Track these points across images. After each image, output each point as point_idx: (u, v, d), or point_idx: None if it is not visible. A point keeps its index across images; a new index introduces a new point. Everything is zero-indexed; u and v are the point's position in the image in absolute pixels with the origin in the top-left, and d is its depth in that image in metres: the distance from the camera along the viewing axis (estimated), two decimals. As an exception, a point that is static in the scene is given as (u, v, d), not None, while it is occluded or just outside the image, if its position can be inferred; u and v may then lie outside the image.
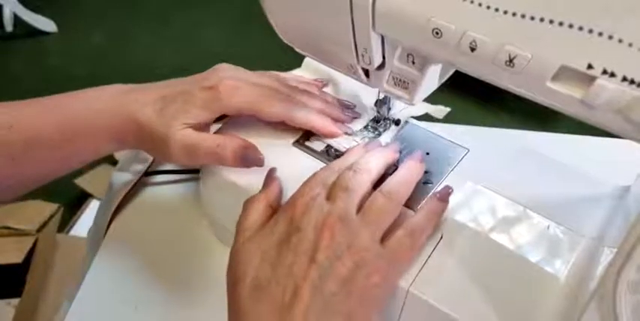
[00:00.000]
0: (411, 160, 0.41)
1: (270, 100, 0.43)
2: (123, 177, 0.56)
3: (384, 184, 0.38)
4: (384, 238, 0.36)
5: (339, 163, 0.40)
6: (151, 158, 0.56)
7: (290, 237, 0.35)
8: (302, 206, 0.36)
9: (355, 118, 0.48)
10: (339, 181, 0.37)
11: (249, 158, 0.42)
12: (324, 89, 0.51)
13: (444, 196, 0.40)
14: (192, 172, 0.54)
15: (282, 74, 0.49)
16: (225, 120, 0.48)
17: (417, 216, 0.38)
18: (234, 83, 0.43)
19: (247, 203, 0.39)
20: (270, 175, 0.41)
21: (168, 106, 0.42)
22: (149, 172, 0.55)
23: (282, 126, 0.46)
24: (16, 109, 0.43)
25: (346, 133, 0.46)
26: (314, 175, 0.40)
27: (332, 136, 0.46)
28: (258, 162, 0.43)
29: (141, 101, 0.43)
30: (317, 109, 0.46)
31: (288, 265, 0.34)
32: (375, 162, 0.40)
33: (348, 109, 0.48)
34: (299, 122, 0.44)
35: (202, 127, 0.44)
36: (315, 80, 0.51)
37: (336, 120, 0.47)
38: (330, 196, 0.37)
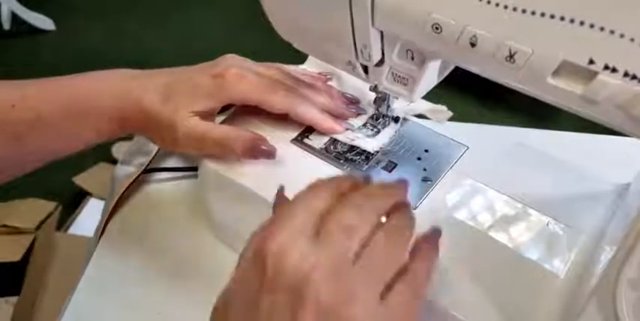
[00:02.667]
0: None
1: (275, 91, 0.43)
2: (126, 170, 0.56)
3: (392, 220, 0.30)
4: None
5: (342, 184, 0.31)
6: (154, 151, 0.56)
7: (260, 300, 0.26)
8: (276, 254, 0.26)
9: (359, 113, 0.48)
10: (338, 213, 0.28)
11: (258, 150, 0.42)
12: (329, 83, 0.51)
13: (435, 240, 0.32)
14: (192, 170, 0.54)
15: (288, 67, 0.49)
16: (227, 112, 0.47)
17: (415, 263, 0.29)
18: (240, 72, 0.43)
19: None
20: (278, 199, 0.34)
21: (175, 93, 0.42)
22: (148, 170, 0.54)
23: (281, 122, 0.46)
24: (19, 88, 0.43)
25: (347, 129, 0.46)
26: (297, 198, 0.30)
27: (332, 132, 0.46)
28: (268, 154, 0.43)
29: (146, 86, 0.43)
30: (321, 103, 0.46)
31: None
32: (384, 197, 0.31)
33: (352, 104, 0.48)
34: (301, 116, 0.44)
35: (208, 116, 0.44)
36: (320, 74, 0.51)
37: (339, 115, 0.47)
38: (319, 236, 0.27)
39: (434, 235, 0.32)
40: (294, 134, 0.46)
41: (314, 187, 0.31)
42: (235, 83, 0.42)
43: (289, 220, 0.28)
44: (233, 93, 0.43)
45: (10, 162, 0.44)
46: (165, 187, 0.55)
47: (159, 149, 0.56)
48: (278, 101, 0.43)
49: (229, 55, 0.45)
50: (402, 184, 0.33)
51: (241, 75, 0.43)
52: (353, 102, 0.49)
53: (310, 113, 0.44)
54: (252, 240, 0.29)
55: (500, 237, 0.38)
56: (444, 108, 0.50)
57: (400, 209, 0.31)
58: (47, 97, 0.42)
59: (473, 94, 1.73)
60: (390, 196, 0.31)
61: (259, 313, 0.26)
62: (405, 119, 0.48)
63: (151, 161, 0.55)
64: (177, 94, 0.42)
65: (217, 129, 0.43)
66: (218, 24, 2.16)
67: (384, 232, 0.29)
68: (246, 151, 0.42)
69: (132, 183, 0.53)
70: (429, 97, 0.50)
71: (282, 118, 0.46)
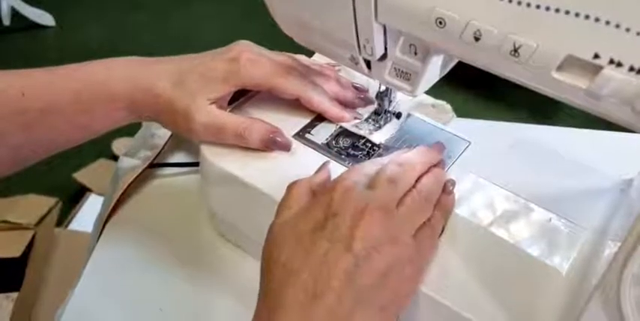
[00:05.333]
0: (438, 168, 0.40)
1: (288, 76, 0.44)
2: (130, 163, 0.56)
3: (421, 183, 0.37)
4: None
5: (383, 159, 0.39)
6: (159, 145, 0.56)
7: (326, 222, 0.33)
8: (341, 191, 0.34)
9: (368, 103, 0.48)
10: (385, 171, 0.36)
11: (274, 142, 0.43)
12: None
13: (450, 189, 0.39)
14: (196, 165, 0.54)
15: (298, 56, 0.49)
16: (233, 105, 0.48)
17: (436, 211, 0.37)
18: (253, 57, 0.43)
19: (290, 185, 0.38)
20: (323, 166, 0.40)
21: (188, 79, 0.42)
22: (153, 165, 0.54)
23: (283, 117, 0.46)
24: (28, 77, 0.43)
25: (356, 118, 0.47)
26: (356, 165, 0.38)
27: (340, 120, 0.46)
28: (284, 146, 0.43)
29: (158, 72, 0.43)
30: (331, 91, 0.46)
31: (323, 252, 0.32)
32: (419, 160, 0.38)
33: (361, 93, 0.49)
34: (311, 102, 0.45)
35: (223, 103, 0.44)
36: (328, 65, 0.51)
37: (348, 104, 0.47)
38: (372, 185, 0.35)
39: (450, 183, 0.39)
40: (296, 129, 0.46)
41: (371, 161, 0.39)
42: (250, 67, 0.43)
43: (351, 175, 0.36)
44: (247, 77, 0.43)
45: (23, 150, 0.44)
46: (168, 182, 0.55)
47: (165, 144, 0.55)
48: (290, 86, 0.44)
49: (241, 41, 0.45)
50: (438, 147, 0.42)
51: (255, 59, 0.43)
52: (362, 91, 0.49)
53: (320, 100, 0.45)
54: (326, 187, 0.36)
55: (502, 233, 0.38)
56: (448, 106, 0.50)
57: (432, 171, 0.38)
58: (57, 85, 0.42)
59: (473, 91, 1.73)
60: (426, 161, 0.39)
61: (324, 232, 0.33)
62: (409, 115, 0.48)
63: (156, 156, 0.54)
64: (191, 79, 0.42)
65: (235, 120, 0.43)
66: (219, 19, 2.15)
67: (416, 190, 0.36)
68: (263, 143, 0.43)
69: (135, 178, 0.53)
70: (430, 93, 0.50)
71: (285, 113, 0.46)
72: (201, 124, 0.42)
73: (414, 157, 0.38)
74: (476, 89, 1.73)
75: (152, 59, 0.45)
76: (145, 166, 0.53)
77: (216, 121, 0.42)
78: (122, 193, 0.52)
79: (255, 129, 0.43)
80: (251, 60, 0.43)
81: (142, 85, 0.42)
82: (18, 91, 0.41)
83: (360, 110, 0.48)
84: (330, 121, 0.47)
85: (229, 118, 0.43)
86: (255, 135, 0.42)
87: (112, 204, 0.52)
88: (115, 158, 1.50)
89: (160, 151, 0.55)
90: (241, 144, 0.43)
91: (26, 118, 0.42)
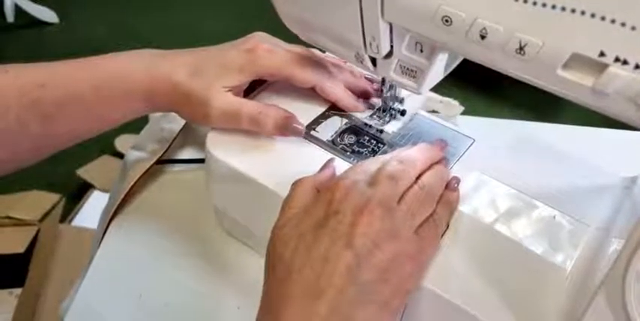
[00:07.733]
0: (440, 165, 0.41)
1: (304, 66, 0.45)
2: (137, 156, 0.56)
3: (423, 178, 0.37)
4: None
5: (385, 156, 0.39)
6: (168, 139, 0.56)
7: (328, 220, 0.33)
8: (343, 189, 0.35)
9: (380, 94, 0.48)
10: (385, 168, 0.36)
11: (289, 128, 0.43)
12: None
13: (455, 186, 0.40)
14: (203, 162, 0.54)
15: (311, 49, 0.50)
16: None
17: (439, 207, 0.38)
18: (269, 47, 0.44)
19: (294, 183, 0.38)
20: (327, 163, 0.41)
21: (205, 69, 0.43)
22: (161, 161, 0.55)
23: (298, 106, 0.46)
24: (48, 68, 0.43)
25: (368, 109, 0.48)
26: (358, 163, 0.39)
27: (354, 110, 0.47)
28: (298, 132, 0.44)
29: (175, 63, 0.44)
30: (345, 81, 0.47)
31: (324, 249, 0.32)
32: (421, 157, 0.39)
33: (374, 84, 0.49)
34: (326, 91, 0.46)
35: (239, 92, 0.45)
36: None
37: (362, 93, 0.48)
38: (373, 183, 0.35)
39: (454, 181, 0.40)
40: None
41: (373, 158, 0.39)
42: (266, 57, 0.44)
43: (353, 173, 0.37)
44: (264, 66, 0.44)
45: (43, 140, 0.45)
46: (175, 178, 0.55)
47: (172, 141, 0.56)
48: (306, 76, 0.44)
49: (257, 33, 0.46)
50: (440, 144, 0.43)
51: (272, 50, 0.44)
52: (374, 82, 0.50)
53: (335, 89, 0.46)
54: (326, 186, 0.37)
55: (505, 230, 0.38)
56: (456, 102, 0.50)
57: (434, 167, 0.39)
58: (77, 76, 0.43)
59: (477, 89, 1.73)
60: (427, 158, 0.39)
61: (326, 229, 0.33)
62: (415, 114, 0.48)
63: (164, 153, 0.55)
64: (207, 69, 0.43)
65: (250, 104, 0.43)
66: (221, 19, 2.15)
67: (417, 186, 0.36)
68: (278, 128, 0.43)
69: (143, 174, 0.53)
70: (434, 91, 0.50)
71: (295, 105, 0.46)
72: (217, 109, 0.43)
73: (415, 154, 0.38)
74: (480, 87, 1.73)
75: (170, 51, 0.45)
76: (153, 162, 0.54)
77: (232, 106, 0.43)
78: (129, 189, 0.52)
79: (270, 114, 0.43)
80: (267, 50, 0.44)
81: (160, 76, 0.43)
82: (38, 82, 0.42)
83: (373, 99, 0.48)
84: (335, 118, 0.47)
85: (245, 103, 0.44)
86: (269, 120, 0.43)
87: (120, 198, 0.52)
88: (118, 155, 1.50)
89: (168, 148, 0.55)
90: (255, 129, 0.44)
91: (46, 108, 0.42)
